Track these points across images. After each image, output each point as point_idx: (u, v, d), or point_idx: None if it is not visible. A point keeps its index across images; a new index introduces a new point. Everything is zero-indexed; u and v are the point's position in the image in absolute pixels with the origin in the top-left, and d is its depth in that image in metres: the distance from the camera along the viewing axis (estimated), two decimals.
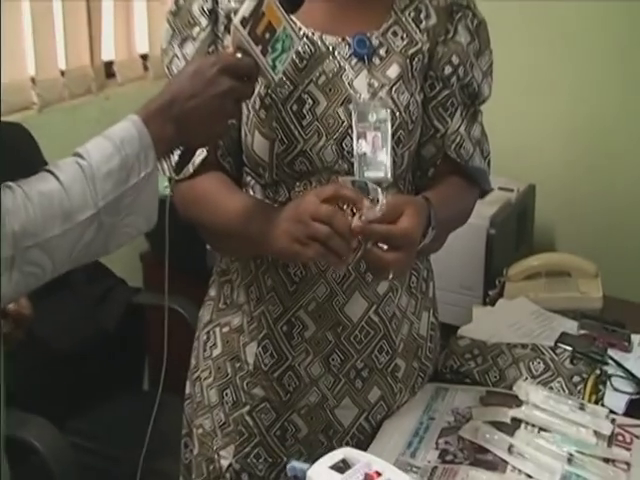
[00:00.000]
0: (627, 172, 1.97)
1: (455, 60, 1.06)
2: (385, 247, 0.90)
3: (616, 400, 1.18)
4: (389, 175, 0.99)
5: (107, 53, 2.21)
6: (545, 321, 1.43)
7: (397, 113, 1.01)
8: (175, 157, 0.95)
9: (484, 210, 1.68)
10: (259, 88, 1.00)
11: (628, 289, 1.63)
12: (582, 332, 1.38)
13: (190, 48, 1.03)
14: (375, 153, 0.98)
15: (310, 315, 1.05)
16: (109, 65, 2.24)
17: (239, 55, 0.87)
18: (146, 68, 2.32)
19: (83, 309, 1.74)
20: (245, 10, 0.88)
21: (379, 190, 0.92)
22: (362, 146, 0.98)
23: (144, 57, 2.34)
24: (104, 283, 1.81)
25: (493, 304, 1.53)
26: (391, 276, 0.90)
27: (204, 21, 1.03)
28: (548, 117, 2.02)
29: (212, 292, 1.17)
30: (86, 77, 2.14)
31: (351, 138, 0.99)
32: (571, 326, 1.41)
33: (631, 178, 1.97)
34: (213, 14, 1.03)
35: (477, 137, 1.12)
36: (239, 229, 0.98)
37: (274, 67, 0.89)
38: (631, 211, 1.97)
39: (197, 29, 1.03)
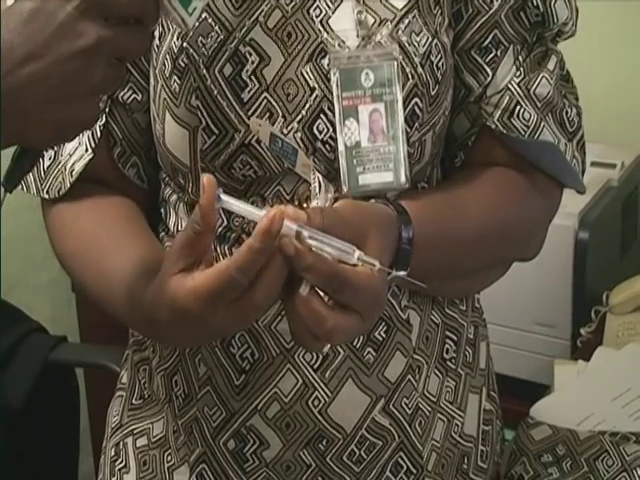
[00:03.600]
0: None
1: None
2: (326, 298, 0.72)
3: None
4: (403, 177, 0.84)
5: None
6: None
7: (409, 69, 0.85)
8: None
9: (569, 202, 1.41)
10: (170, 38, 0.85)
11: None
12: None
13: None
14: (376, 141, 0.85)
15: (271, 424, 0.90)
16: None
17: None
18: None
19: None
20: None
21: (319, 177, 0.78)
22: (352, 130, 0.85)
23: None
24: (8, 336, 1.63)
25: (587, 355, 1.36)
26: (327, 348, 0.75)
27: None
28: None
29: (124, 376, 1.03)
30: None
31: (328, 117, 0.85)
32: None
33: None
34: None
35: (546, 96, 0.92)
36: (126, 311, 0.83)
37: (188, 2, 0.73)
38: None
39: None
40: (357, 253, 0.70)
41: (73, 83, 0.71)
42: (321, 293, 0.71)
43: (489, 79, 0.90)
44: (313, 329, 0.71)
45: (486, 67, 0.90)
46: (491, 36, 0.89)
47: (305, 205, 0.82)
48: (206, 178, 0.69)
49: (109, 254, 0.86)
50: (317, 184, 0.79)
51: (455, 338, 0.96)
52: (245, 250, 0.67)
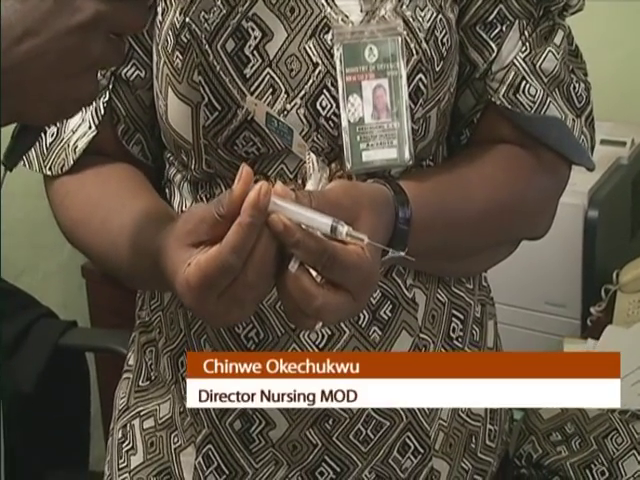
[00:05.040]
0: None
1: None
2: (315, 274, 0.72)
3: None
4: (407, 154, 0.84)
5: None
6: None
7: (413, 44, 0.84)
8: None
9: (579, 180, 1.45)
10: (173, 14, 0.85)
11: None
12: None
13: None
14: (380, 117, 0.85)
15: None
16: None
17: None
18: None
19: None
20: None
21: (314, 158, 0.78)
22: (355, 107, 0.84)
23: None
24: (17, 321, 1.63)
25: (597, 334, 1.37)
26: (319, 326, 0.75)
27: None
28: None
29: (131, 358, 1.03)
30: None
31: (331, 93, 0.84)
32: None
33: None
34: None
35: (552, 71, 0.91)
36: (133, 263, 0.83)
37: None
38: None
39: None
40: (345, 228, 0.70)
41: (71, 58, 0.70)
42: (313, 273, 0.71)
43: (494, 55, 0.89)
44: (302, 306, 0.71)
45: (491, 43, 0.89)
46: (496, 11, 0.88)
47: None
48: (245, 169, 0.69)
49: (114, 213, 0.86)
50: (311, 165, 0.78)
51: (462, 317, 0.95)
52: (235, 229, 0.67)
